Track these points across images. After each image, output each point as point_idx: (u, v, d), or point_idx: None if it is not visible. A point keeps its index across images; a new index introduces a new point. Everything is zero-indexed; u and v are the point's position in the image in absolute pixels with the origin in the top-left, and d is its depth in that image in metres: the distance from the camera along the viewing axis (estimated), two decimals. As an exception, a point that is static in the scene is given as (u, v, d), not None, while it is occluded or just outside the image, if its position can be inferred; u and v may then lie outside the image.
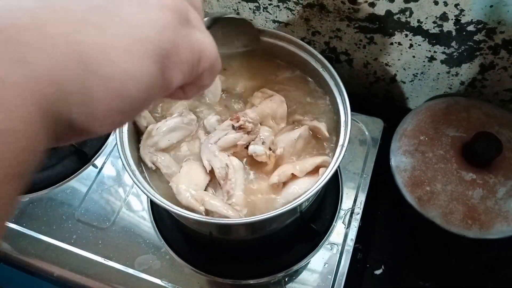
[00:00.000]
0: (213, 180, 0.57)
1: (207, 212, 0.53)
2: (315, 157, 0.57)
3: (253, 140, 0.57)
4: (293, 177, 0.55)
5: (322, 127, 0.58)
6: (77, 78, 0.20)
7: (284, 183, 0.55)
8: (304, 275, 0.63)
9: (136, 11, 0.23)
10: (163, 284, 0.63)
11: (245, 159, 0.58)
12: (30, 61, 0.19)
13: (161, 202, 0.49)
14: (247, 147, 0.57)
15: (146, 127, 0.59)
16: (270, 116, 0.60)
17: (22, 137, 0.18)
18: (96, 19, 0.21)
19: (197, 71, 0.27)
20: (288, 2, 0.68)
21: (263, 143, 0.57)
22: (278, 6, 0.70)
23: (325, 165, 0.55)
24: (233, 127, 0.56)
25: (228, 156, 0.56)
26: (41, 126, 0.19)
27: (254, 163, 0.58)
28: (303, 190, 0.53)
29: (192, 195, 0.54)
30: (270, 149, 0.58)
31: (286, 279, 0.63)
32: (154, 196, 0.50)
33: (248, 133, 0.56)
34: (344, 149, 0.51)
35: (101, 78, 0.21)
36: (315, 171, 0.55)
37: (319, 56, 0.59)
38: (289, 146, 0.57)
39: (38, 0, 0.20)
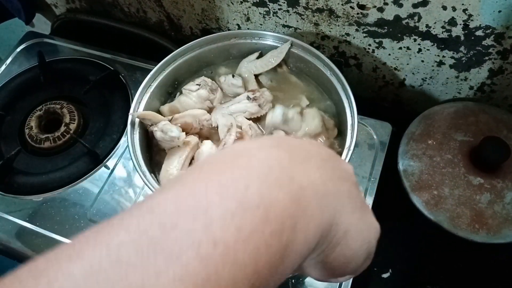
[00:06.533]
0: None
1: None
2: None
3: (262, 115, 0.62)
4: None
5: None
6: None
7: None
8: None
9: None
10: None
11: None
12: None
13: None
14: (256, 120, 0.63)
15: (151, 125, 0.61)
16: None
17: None
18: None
19: None
20: (298, 7, 0.69)
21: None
22: (287, 11, 0.71)
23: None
24: (248, 98, 0.62)
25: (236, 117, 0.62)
26: None
27: None
28: None
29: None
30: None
31: (293, 281, 0.63)
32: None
33: (259, 105, 0.61)
34: (350, 152, 0.52)
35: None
36: None
37: (327, 60, 0.60)
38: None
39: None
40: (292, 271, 0.23)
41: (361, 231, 0.28)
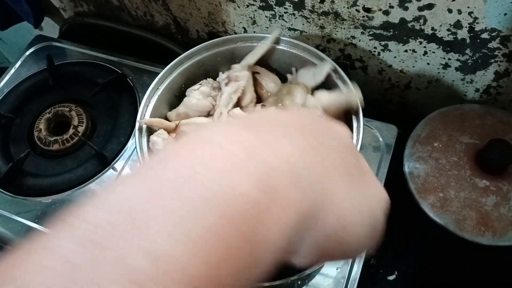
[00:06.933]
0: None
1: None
2: None
3: (243, 86, 0.63)
4: None
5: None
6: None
7: None
8: (317, 279, 0.64)
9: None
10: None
11: None
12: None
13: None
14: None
15: (159, 129, 0.62)
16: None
17: None
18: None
19: None
20: (304, 10, 0.70)
21: None
22: (293, 14, 0.71)
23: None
24: (226, 84, 0.63)
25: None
26: None
27: None
28: None
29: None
30: None
31: (299, 282, 0.63)
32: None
33: (235, 81, 0.62)
34: (356, 155, 0.52)
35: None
36: None
37: (332, 63, 0.60)
38: None
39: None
40: (273, 266, 0.19)
41: (358, 203, 0.23)
